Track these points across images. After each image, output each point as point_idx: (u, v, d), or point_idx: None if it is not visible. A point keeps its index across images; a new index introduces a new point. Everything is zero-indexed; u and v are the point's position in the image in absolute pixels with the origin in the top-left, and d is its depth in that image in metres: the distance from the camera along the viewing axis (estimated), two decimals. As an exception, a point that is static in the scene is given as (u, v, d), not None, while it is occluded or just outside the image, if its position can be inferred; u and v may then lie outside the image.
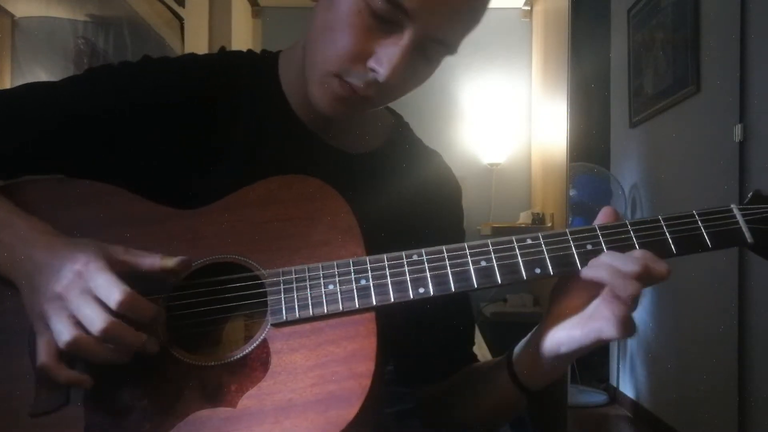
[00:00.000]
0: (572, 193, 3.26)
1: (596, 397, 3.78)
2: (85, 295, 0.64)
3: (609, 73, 3.94)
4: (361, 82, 0.76)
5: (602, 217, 0.73)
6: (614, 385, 3.83)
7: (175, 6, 2.57)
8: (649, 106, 3.31)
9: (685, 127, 2.97)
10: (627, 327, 0.65)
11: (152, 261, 0.67)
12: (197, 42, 2.81)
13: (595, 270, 0.67)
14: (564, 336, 0.70)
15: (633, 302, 0.66)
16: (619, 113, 3.81)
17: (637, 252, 0.67)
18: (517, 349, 0.78)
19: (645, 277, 0.65)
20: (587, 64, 3.76)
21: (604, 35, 3.93)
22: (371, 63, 0.74)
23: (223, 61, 0.88)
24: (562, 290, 0.74)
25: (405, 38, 0.73)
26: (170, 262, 0.67)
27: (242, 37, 3.28)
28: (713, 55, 2.72)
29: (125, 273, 0.66)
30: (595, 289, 0.69)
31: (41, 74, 1.73)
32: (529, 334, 0.76)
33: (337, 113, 0.80)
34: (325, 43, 0.76)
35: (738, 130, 2.44)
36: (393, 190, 0.90)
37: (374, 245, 0.74)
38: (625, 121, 3.68)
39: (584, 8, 3.51)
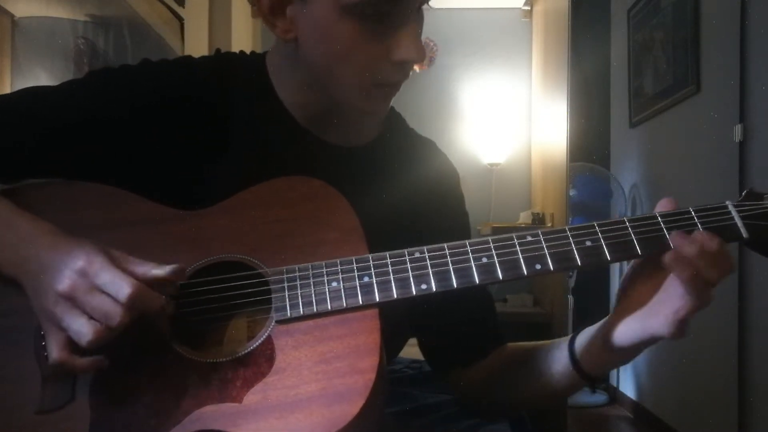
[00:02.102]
0: (572, 193, 3.26)
1: (596, 397, 3.78)
2: (94, 292, 0.64)
3: (609, 73, 3.94)
4: (400, 76, 0.80)
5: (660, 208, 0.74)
6: (614, 385, 3.83)
7: (175, 6, 2.57)
8: (649, 106, 3.31)
9: (685, 127, 2.97)
10: (681, 329, 0.67)
11: (144, 270, 0.67)
12: (197, 42, 2.81)
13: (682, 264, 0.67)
14: (624, 329, 0.73)
15: (698, 305, 0.67)
16: (619, 113, 3.81)
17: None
18: (582, 335, 0.80)
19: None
20: (587, 64, 3.77)
21: (604, 35, 3.92)
22: (399, 56, 0.77)
23: (219, 62, 0.89)
24: (630, 283, 0.76)
25: (410, 19, 0.77)
26: (161, 271, 0.67)
27: (242, 37, 3.28)
28: (713, 55, 2.72)
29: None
30: (660, 283, 0.71)
31: (41, 74, 1.73)
32: (600, 323, 0.78)
33: (384, 111, 0.87)
34: (346, 70, 0.78)
35: (738, 130, 2.44)
36: (391, 180, 0.91)
37: (376, 236, 0.74)
38: (625, 121, 3.68)
39: (584, 8, 3.52)
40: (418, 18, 0.78)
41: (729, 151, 2.49)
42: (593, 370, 0.79)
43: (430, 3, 0.79)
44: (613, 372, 3.86)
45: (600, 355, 0.78)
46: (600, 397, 3.79)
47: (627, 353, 0.75)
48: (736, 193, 2.51)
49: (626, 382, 3.73)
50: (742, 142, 2.43)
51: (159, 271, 0.67)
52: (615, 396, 3.81)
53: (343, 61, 0.77)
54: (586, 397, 3.73)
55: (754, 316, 2.41)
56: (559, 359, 0.81)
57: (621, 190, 3.63)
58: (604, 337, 0.75)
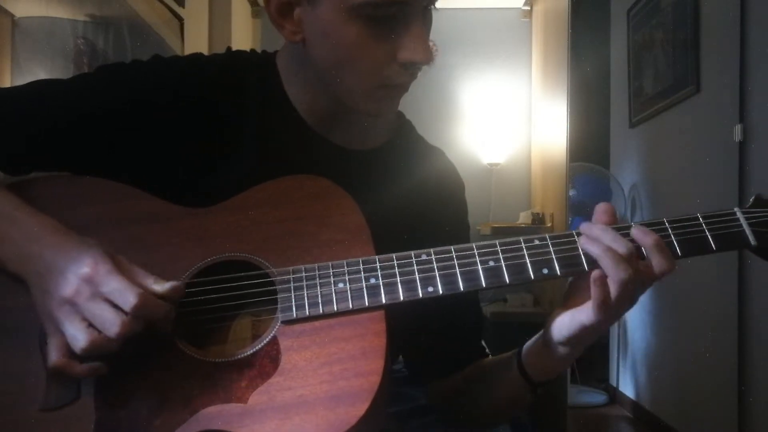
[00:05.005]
0: (572, 193, 3.26)
1: (596, 397, 3.78)
2: (96, 300, 0.64)
3: (609, 73, 3.94)
4: (406, 77, 0.80)
5: (601, 215, 0.74)
6: (614, 385, 3.84)
7: (175, 6, 2.56)
8: (649, 106, 3.32)
9: (685, 127, 2.97)
10: (606, 312, 0.67)
11: (146, 283, 0.67)
12: (197, 42, 2.81)
13: (590, 244, 0.69)
14: (558, 323, 0.73)
15: (624, 293, 0.67)
16: (619, 113, 3.81)
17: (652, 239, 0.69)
18: (529, 341, 0.81)
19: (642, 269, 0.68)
20: (587, 65, 3.76)
21: (604, 35, 3.93)
22: (405, 57, 0.77)
23: (230, 60, 0.89)
24: (572, 291, 0.76)
25: (417, 20, 0.77)
26: (160, 287, 0.67)
27: (242, 37, 3.27)
28: (713, 55, 2.72)
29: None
30: None
31: (41, 74, 1.72)
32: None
33: (391, 112, 0.88)
34: (353, 71, 0.78)
35: (738, 130, 2.44)
36: (396, 187, 0.91)
37: (378, 241, 0.74)
38: (625, 121, 3.69)
39: (584, 8, 3.51)
40: (425, 19, 0.79)
41: (729, 151, 2.49)
42: (537, 374, 0.79)
43: (436, 4, 0.79)
44: (613, 372, 3.86)
45: (541, 355, 0.78)
46: (600, 397, 3.79)
47: (564, 348, 0.75)
48: (735, 193, 2.49)
49: (626, 382, 3.73)
50: (742, 142, 2.43)
51: (158, 287, 0.67)
52: (615, 396, 3.81)
53: (349, 62, 0.77)
54: (586, 397, 3.73)
55: (754, 316, 2.41)
56: (508, 367, 0.81)
57: (621, 190, 3.63)
58: (544, 337, 0.76)
